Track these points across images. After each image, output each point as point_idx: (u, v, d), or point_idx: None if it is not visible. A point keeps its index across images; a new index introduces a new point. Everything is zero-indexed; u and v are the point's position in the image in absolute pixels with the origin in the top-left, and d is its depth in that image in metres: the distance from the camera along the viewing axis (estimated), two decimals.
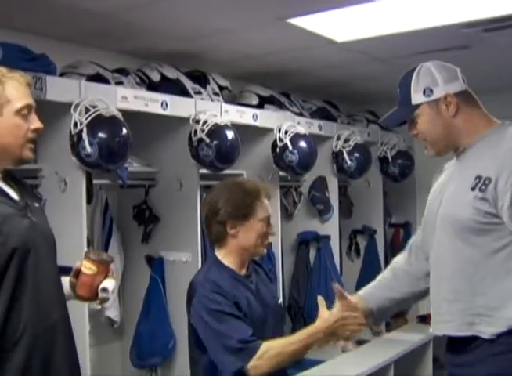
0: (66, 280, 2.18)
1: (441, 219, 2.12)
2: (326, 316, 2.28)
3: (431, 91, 2.10)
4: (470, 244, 2.02)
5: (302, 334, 2.27)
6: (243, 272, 2.45)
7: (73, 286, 2.18)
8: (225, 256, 2.43)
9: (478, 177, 1.98)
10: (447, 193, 2.13)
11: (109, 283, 2.15)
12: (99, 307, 3.45)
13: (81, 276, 2.15)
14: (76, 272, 2.18)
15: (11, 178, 2.07)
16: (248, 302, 2.36)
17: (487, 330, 1.99)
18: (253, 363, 2.19)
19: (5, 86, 1.95)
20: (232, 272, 2.41)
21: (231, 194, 2.41)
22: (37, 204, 2.14)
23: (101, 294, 2.14)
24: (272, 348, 2.21)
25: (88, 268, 2.13)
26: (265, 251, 2.50)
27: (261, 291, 2.46)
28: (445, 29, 3.57)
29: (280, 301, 2.59)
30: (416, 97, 2.12)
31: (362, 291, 2.49)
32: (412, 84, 2.13)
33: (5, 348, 1.87)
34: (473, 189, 1.98)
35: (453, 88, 2.10)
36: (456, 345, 2.11)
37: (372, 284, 2.49)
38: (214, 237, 2.48)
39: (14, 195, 2.02)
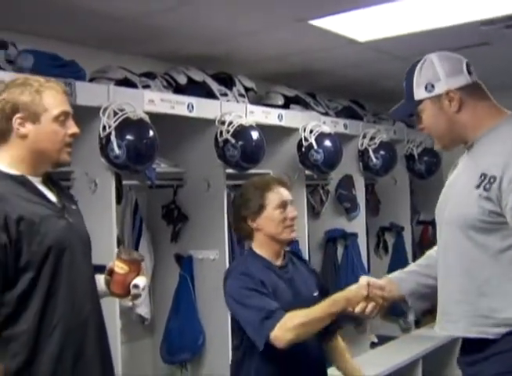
0: (100, 278, 2.31)
1: (448, 217, 2.07)
2: (351, 287, 2.35)
3: (433, 86, 2.04)
4: (475, 244, 1.97)
5: (325, 303, 2.32)
6: (279, 262, 2.54)
7: (107, 283, 2.30)
8: (259, 248, 2.54)
9: (483, 175, 1.92)
10: (454, 190, 2.09)
11: (141, 281, 2.27)
12: (130, 304, 3.54)
13: (115, 276, 2.27)
14: (110, 271, 2.30)
15: (51, 181, 2.20)
16: (276, 289, 2.43)
17: (491, 331, 1.95)
18: (276, 333, 2.25)
19: (42, 95, 2.07)
20: (267, 262, 2.51)
21: (245, 192, 2.58)
22: (74, 207, 2.25)
23: (133, 291, 2.26)
24: (295, 318, 2.27)
25: (120, 267, 2.26)
26: (293, 235, 2.53)
27: (295, 282, 2.53)
28: (464, 27, 3.60)
29: (316, 293, 2.58)
30: (419, 92, 2.07)
31: (391, 276, 2.45)
32: (415, 78, 2.07)
33: (39, 341, 1.98)
34: (478, 187, 1.93)
35: (456, 83, 2.03)
36: (467, 345, 2.08)
37: (404, 270, 2.44)
38: (243, 234, 2.63)
39: (52, 197, 2.14)
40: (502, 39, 3.92)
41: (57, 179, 2.29)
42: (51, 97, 2.09)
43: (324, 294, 2.59)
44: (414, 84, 2.08)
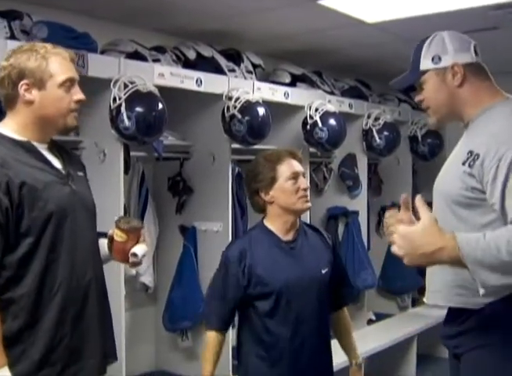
0: (104, 242, 2.35)
1: (437, 191, 2.15)
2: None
3: (440, 58, 2.10)
4: (458, 218, 2.03)
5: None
6: (289, 237, 2.59)
7: (109, 249, 2.34)
8: (270, 222, 2.59)
9: (470, 152, 1.98)
10: (445, 165, 2.17)
11: (139, 249, 2.29)
12: (134, 272, 3.65)
13: (114, 244, 2.31)
14: (110, 238, 2.33)
15: (57, 148, 2.22)
16: (274, 265, 2.51)
17: (474, 301, 1.99)
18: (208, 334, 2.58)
19: (48, 61, 2.07)
20: (274, 237, 2.57)
21: (256, 165, 2.60)
22: (81, 173, 2.28)
23: (131, 259, 2.29)
24: (207, 351, 2.55)
25: (119, 236, 2.28)
26: (307, 205, 2.57)
27: (303, 258, 2.58)
28: (472, 11, 3.64)
29: (325, 270, 2.61)
30: (425, 63, 2.13)
31: None
32: (423, 50, 2.14)
33: (42, 303, 2.04)
34: (464, 163, 1.98)
35: (463, 59, 2.10)
36: (449, 317, 2.16)
37: None
38: (256, 208, 2.66)
39: (57, 164, 2.16)
40: (510, 24, 3.93)
41: (65, 146, 2.31)
42: (57, 63, 2.09)
43: (335, 270, 2.67)
44: (422, 56, 2.13)
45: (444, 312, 2.23)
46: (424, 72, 2.14)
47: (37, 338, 2.03)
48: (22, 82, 2.06)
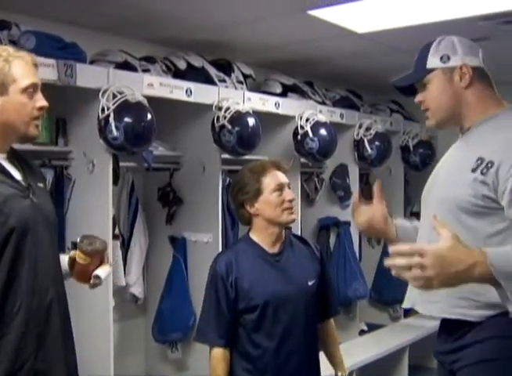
0: (64, 259, 2.22)
1: (435, 199, 2.07)
2: None
3: (448, 58, 2.04)
4: (464, 227, 1.93)
5: None
6: (275, 249, 2.57)
7: (70, 268, 2.22)
8: (256, 235, 2.58)
9: (480, 159, 1.92)
10: (444, 171, 2.10)
11: (102, 272, 2.19)
12: (123, 283, 3.63)
13: (76, 265, 2.19)
14: (72, 259, 2.21)
15: (17, 158, 2.09)
16: (259, 278, 2.49)
17: (473, 313, 1.95)
18: (212, 353, 2.49)
19: (11, 65, 1.95)
20: (260, 249, 2.55)
21: (241, 177, 2.59)
22: (41, 185, 2.15)
23: (93, 281, 2.19)
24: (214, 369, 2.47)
25: (81, 258, 2.17)
26: (292, 217, 2.55)
27: (289, 270, 2.56)
28: (463, 21, 3.63)
29: (312, 282, 2.58)
30: (432, 61, 2.07)
31: (397, 221, 2.43)
32: (432, 49, 2.08)
33: (1, 324, 1.91)
34: (474, 170, 1.92)
35: (471, 62, 2.05)
36: (446, 331, 2.09)
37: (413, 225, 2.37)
38: (242, 221, 2.65)
39: (17, 175, 2.03)
40: (501, 34, 3.93)
41: (24, 155, 2.17)
42: (20, 67, 1.97)
43: (322, 281, 2.65)
44: (429, 54, 2.08)
45: (437, 322, 2.18)
46: (430, 71, 2.08)
47: None
48: None
